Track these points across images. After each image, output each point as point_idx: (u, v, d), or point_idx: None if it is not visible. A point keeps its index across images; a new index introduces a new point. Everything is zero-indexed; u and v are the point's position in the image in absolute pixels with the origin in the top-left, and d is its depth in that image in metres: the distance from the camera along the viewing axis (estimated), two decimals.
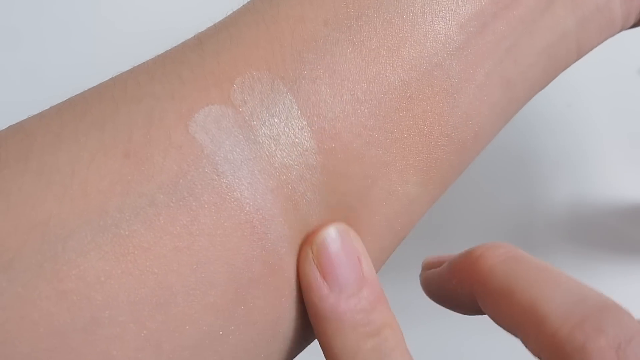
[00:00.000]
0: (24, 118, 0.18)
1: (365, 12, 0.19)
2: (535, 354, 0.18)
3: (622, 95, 0.44)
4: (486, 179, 0.43)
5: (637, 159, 0.43)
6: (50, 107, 0.18)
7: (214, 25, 0.20)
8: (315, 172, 0.18)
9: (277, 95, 0.18)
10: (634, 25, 0.24)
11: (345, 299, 0.18)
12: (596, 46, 0.23)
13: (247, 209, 0.17)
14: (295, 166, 0.18)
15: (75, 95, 0.18)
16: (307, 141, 0.18)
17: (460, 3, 0.20)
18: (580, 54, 0.23)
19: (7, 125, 0.18)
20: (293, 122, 0.18)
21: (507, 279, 0.19)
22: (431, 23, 0.19)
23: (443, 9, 0.19)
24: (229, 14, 0.20)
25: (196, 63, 0.18)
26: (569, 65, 0.23)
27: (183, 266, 0.17)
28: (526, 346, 0.19)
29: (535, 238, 0.42)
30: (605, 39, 0.23)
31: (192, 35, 0.20)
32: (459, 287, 0.21)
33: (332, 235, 0.18)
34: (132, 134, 0.17)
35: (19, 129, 0.17)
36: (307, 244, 0.18)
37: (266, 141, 0.18)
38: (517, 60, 0.21)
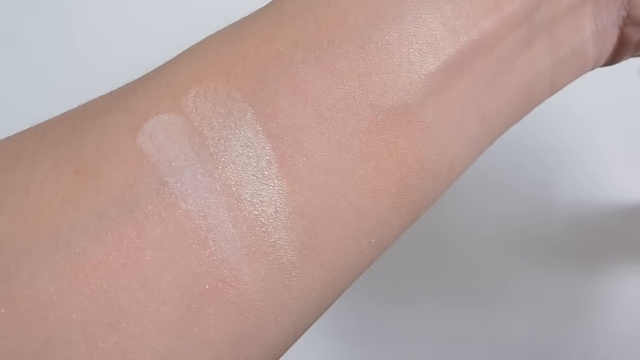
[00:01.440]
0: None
1: (338, 36, 0.19)
2: None
3: (622, 95, 0.44)
4: (486, 179, 0.43)
5: (637, 159, 0.43)
6: (16, 133, 0.18)
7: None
8: (270, 173, 0.18)
9: (231, 102, 0.18)
10: (604, 65, 0.25)
11: None
12: (568, 84, 0.23)
13: (192, 216, 0.17)
14: (247, 166, 0.18)
15: (43, 121, 0.18)
16: (261, 143, 0.18)
17: (438, 38, 0.19)
18: (552, 91, 0.23)
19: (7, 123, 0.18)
20: (246, 126, 0.18)
21: None
22: (407, 54, 0.19)
23: (420, 41, 0.19)
24: None
25: (152, 77, 0.18)
26: (542, 101, 0.23)
27: (132, 282, 0.16)
28: None
29: (535, 238, 0.42)
30: (577, 77, 0.24)
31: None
32: None
33: None
34: (83, 150, 0.17)
35: None
36: None
37: (213, 143, 0.17)
38: (493, 96, 0.20)
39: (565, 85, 0.23)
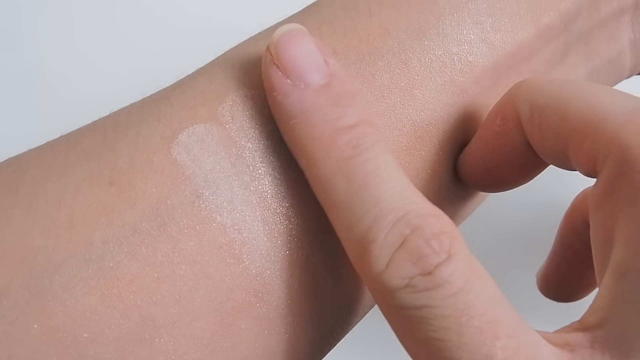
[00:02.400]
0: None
1: (380, 48, 0.18)
2: (586, 161, 0.16)
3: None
4: None
5: None
6: (47, 142, 0.18)
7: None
8: (306, 184, 0.17)
9: (268, 111, 0.17)
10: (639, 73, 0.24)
11: (311, 93, 0.16)
12: None
13: (227, 229, 0.16)
14: (284, 176, 0.17)
15: (74, 129, 0.18)
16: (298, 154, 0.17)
17: (479, 55, 0.19)
18: None
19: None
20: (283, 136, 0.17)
21: (558, 91, 0.17)
22: (450, 74, 0.19)
23: (462, 61, 0.19)
24: None
25: (187, 85, 0.18)
26: None
27: (166, 297, 0.16)
28: (574, 161, 0.17)
29: (535, 238, 0.41)
30: (613, 86, 0.23)
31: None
32: (503, 127, 0.19)
33: (290, 32, 0.17)
34: (117, 161, 0.16)
35: (13, 161, 0.17)
36: (266, 49, 0.17)
37: (249, 155, 0.17)
38: None
39: None
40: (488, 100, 0.19)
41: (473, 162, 0.20)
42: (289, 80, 0.16)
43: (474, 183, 0.20)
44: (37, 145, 0.18)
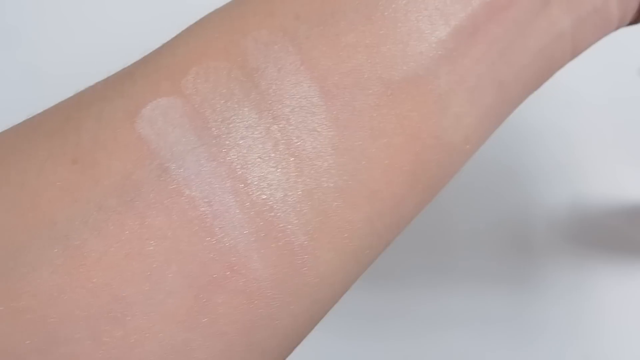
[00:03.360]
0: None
1: (342, 7, 0.17)
2: None
3: (622, 95, 0.43)
4: (485, 178, 0.42)
5: (637, 159, 0.42)
6: (12, 126, 0.17)
7: None
8: (277, 155, 0.17)
9: (233, 83, 0.17)
10: (631, 24, 0.23)
11: None
12: (592, 45, 0.22)
13: (197, 202, 0.16)
14: (253, 148, 0.16)
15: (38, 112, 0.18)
16: (266, 124, 0.17)
17: (448, 2, 0.18)
18: (575, 54, 0.21)
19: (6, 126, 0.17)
20: (250, 107, 0.16)
21: None
22: (415, 22, 0.18)
23: (429, 7, 0.18)
24: None
25: (151, 59, 0.17)
26: (564, 65, 0.21)
27: (136, 274, 0.15)
28: None
29: (535, 238, 0.41)
30: (601, 38, 0.22)
31: None
32: None
33: None
34: (80, 139, 0.16)
35: None
36: None
37: (215, 125, 0.16)
38: (510, 62, 0.19)
39: (589, 46, 0.22)
40: (470, 52, 0.18)
41: None
42: None
43: None
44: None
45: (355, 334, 0.39)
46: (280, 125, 0.17)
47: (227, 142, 0.16)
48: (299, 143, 0.17)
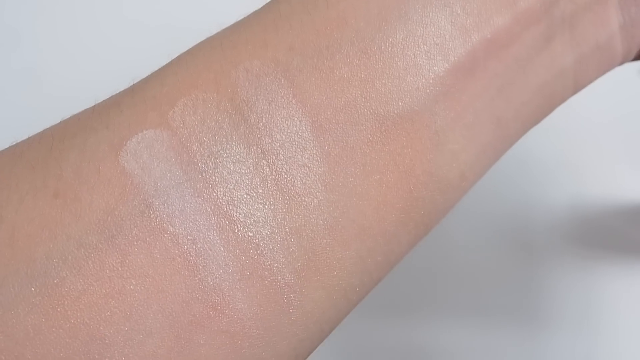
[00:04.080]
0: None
1: (337, 40, 0.17)
2: None
3: (621, 95, 0.42)
4: (485, 178, 0.41)
5: (637, 159, 0.41)
6: None
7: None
8: (265, 191, 0.16)
9: (222, 115, 0.16)
10: (635, 59, 0.22)
11: None
12: (594, 81, 0.21)
13: (180, 240, 0.15)
14: (240, 184, 0.16)
15: (22, 140, 0.17)
16: (254, 160, 0.16)
17: (447, 38, 0.17)
18: (576, 90, 0.21)
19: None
20: (238, 141, 0.16)
21: None
22: (413, 57, 0.17)
23: (427, 42, 0.17)
24: None
25: (138, 89, 0.17)
26: (565, 101, 0.21)
27: (115, 314, 0.15)
28: None
29: (535, 238, 0.41)
30: (604, 74, 0.21)
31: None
32: None
33: None
34: (62, 172, 0.15)
35: None
36: None
37: (202, 160, 0.16)
38: (509, 99, 0.19)
39: (590, 82, 0.21)
40: (468, 89, 0.18)
41: None
42: None
43: None
44: None
45: (354, 329, 0.39)
46: (269, 160, 0.16)
47: (214, 178, 0.16)
48: (288, 179, 0.16)
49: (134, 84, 0.17)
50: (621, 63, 0.22)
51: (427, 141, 0.17)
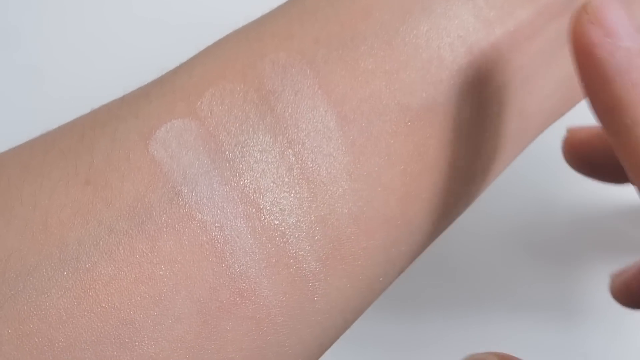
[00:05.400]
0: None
1: (363, 32, 0.17)
2: None
3: None
4: None
5: None
6: (26, 142, 0.17)
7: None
8: (291, 179, 0.16)
9: (249, 106, 0.16)
10: None
11: (635, 54, 0.15)
12: None
13: (208, 227, 0.15)
14: (266, 173, 0.16)
15: (53, 128, 0.17)
16: (281, 149, 0.16)
17: (471, 30, 0.17)
18: None
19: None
20: (265, 131, 0.16)
21: None
22: (437, 49, 0.17)
23: (452, 34, 0.17)
24: None
25: (167, 79, 0.17)
26: None
27: (145, 299, 0.15)
28: None
29: (534, 238, 0.40)
30: None
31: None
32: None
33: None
34: (93, 160, 0.15)
35: None
36: (580, 10, 0.15)
37: (229, 149, 0.16)
38: (532, 92, 0.19)
39: None
40: (493, 81, 0.18)
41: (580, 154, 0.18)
42: (610, 40, 0.15)
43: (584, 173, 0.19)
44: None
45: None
46: (295, 150, 0.16)
47: (241, 166, 0.16)
48: (313, 168, 0.16)
49: (162, 75, 0.17)
50: None
51: (451, 133, 0.17)
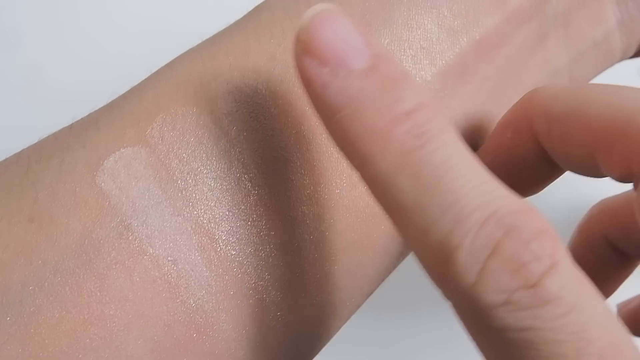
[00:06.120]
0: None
1: None
2: (619, 165, 0.14)
3: None
4: None
5: None
6: None
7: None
8: (248, 207, 0.15)
9: (202, 130, 0.15)
10: (634, 56, 0.21)
11: (355, 79, 0.13)
12: (592, 79, 0.20)
13: (161, 261, 0.14)
14: (221, 201, 0.15)
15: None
16: (236, 175, 0.15)
17: (435, 41, 0.16)
18: None
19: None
20: (220, 156, 0.15)
21: (575, 97, 0.15)
22: (399, 62, 0.16)
23: (413, 46, 0.16)
24: None
25: (117, 105, 0.16)
26: None
27: (95, 341, 0.14)
28: (604, 167, 0.15)
29: None
30: (601, 72, 0.20)
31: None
32: (515, 139, 0.16)
33: (320, 14, 0.13)
34: (37, 194, 0.14)
35: None
36: (296, 36, 0.13)
37: (181, 177, 0.15)
38: (501, 102, 0.18)
39: (588, 80, 0.20)
40: (458, 93, 0.17)
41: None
42: (327, 69, 0.13)
43: None
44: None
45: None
46: (251, 175, 0.15)
47: (194, 195, 0.15)
48: (271, 194, 0.15)
49: (112, 100, 0.16)
50: (620, 60, 0.21)
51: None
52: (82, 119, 0.16)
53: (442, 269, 0.12)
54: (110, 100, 0.17)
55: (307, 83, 0.13)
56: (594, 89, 0.15)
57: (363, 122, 0.12)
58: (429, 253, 0.12)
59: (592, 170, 0.15)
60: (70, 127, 0.16)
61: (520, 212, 0.12)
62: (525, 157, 0.16)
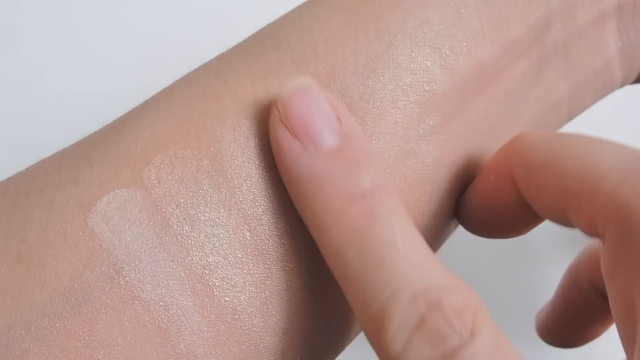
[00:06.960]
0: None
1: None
2: (587, 222, 0.15)
3: (621, 95, 0.41)
4: None
5: None
6: None
7: (152, 97, 0.16)
8: (244, 255, 0.15)
9: (202, 175, 0.15)
10: (635, 82, 0.21)
11: (323, 157, 0.14)
12: (590, 107, 0.20)
13: (152, 306, 0.14)
14: (217, 249, 0.15)
15: None
16: (234, 223, 0.15)
17: (437, 82, 0.16)
18: (571, 117, 0.19)
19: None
20: (218, 204, 0.15)
21: (552, 150, 0.16)
22: (402, 109, 0.16)
23: (417, 91, 0.16)
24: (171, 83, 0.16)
25: (111, 140, 0.15)
26: (558, 129, 0.20)
27: None
28: (575, 222, 0.15)
29: (534, 238, 0.40)
30: (600, 99, 0.20)
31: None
32: (497, 184, 0.17)
33: (299, 87, 0.14)
34: (26, 234, 0.14)
35: None
36: (273, 105, 0.15)
37: (177, 223, 0.14)
38: (500, 139, 0.17)
39: (586, 109, 0.20)
40: (458, 128, 0.17)
41: (469, 212, 0.18)
42: (298, 142, 0.14)
43: (472, 230, 0.18)
44: None
45: None
46: (251, 226, 0.15)
47: (189, 242, 0.14)
48: (271, 245, 0.15)
49: (105, 133, 0.15)
50: (621, 86, 0.20)
51: (421, 194, 0.17)
52: (73, 152, 0.15)
53: (377, 337, 0.13)
54: (104, 123, 0.16)
55: (278, 151, 0.14)
56: (572, 142, 0.16)
57: (322, 198, 0.14)
58: (368, 321, 0.13)
59: (565, 222, 0.15)
60: (61, 159, 0.15)
61: (449, 289, 0.13)
62: (508, 202, 0.17)
